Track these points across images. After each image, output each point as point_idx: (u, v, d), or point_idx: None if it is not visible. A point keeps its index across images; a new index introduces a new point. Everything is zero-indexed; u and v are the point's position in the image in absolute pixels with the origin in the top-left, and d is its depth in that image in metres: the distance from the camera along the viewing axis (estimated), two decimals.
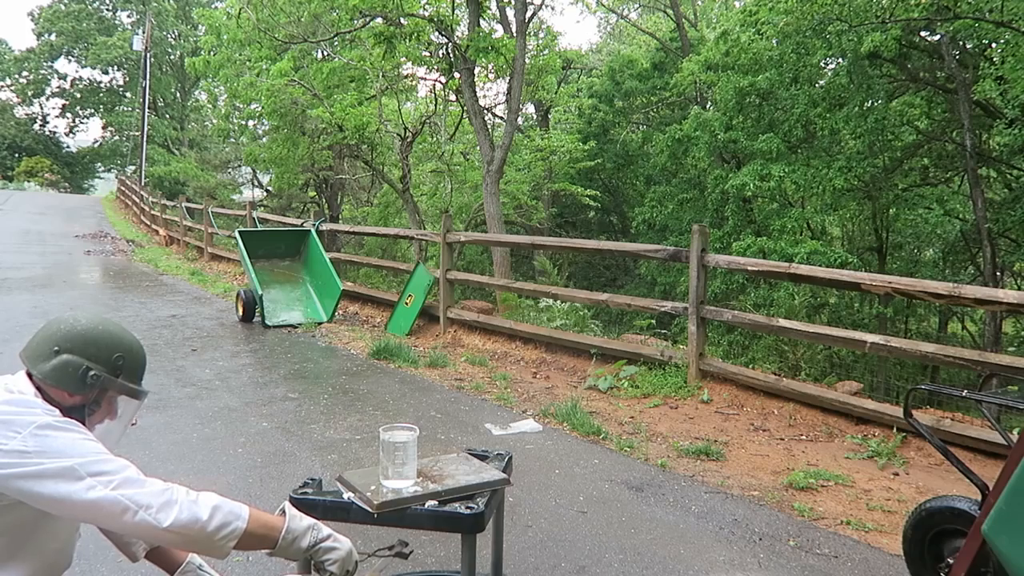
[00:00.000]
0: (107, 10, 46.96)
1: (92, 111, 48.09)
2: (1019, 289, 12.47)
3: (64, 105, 47.72)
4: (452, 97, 14.60)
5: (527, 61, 12.91)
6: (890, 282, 4.77)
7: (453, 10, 11.54)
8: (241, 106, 19.71)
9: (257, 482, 3.82)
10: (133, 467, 1.55)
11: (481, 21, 12.18)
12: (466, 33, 12.07)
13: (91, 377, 1.65)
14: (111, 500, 1.48)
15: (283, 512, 1.71)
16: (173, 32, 45.47)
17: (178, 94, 46.72)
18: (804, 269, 5.49)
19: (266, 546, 1.65)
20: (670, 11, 21.02)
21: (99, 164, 50.60)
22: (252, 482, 3.82)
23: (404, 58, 12.63)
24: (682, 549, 3.21)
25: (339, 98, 13.85)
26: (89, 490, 1.47)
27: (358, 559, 1.75)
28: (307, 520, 1.71)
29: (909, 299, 7.62)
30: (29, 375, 1.66)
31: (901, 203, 13.32)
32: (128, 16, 46.85)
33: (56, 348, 1.65)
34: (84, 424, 1.63)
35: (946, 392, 2.79)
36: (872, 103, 12.56)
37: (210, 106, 31.58)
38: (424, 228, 13.53)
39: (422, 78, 15.12)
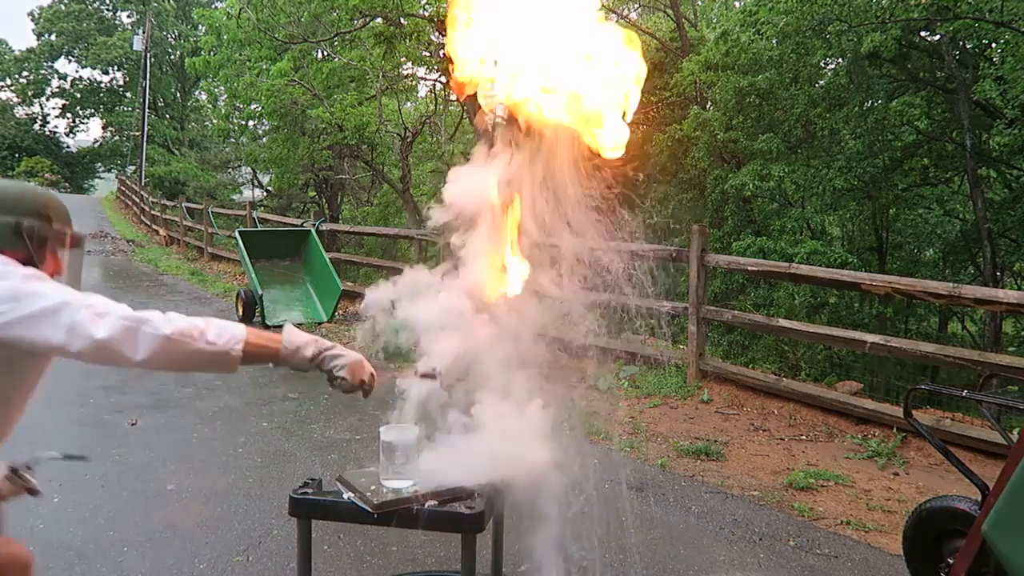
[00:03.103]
0: (107, 10, 46.91)
1: (92, 111, 48.01)
2: (1019, 289, 12.48)
3: (64, 105, 47.65)
4: (452, 97, 14.60)
5: None
6: (890, 282, 4.77)
7: None
8: (241, 106, 19.72)
9: (257, 482, 3.81)
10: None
11: None
12: None
13: (26, 228, 1.63)
14: (113, 322, 1.48)
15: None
16: (173, 32, 45.45)
17: (178, 94, 46.69)
18: (804, 269, 5.50)
19: (269, 356, 1.68)
20: (670, 11, 20.98)
21: (99, 164, 50.50)
22: (252, 482, 3.81)
23: (404, 58, 12.63)
24: (682, 549, 3.21)
25: (339, 98, 13.84)
26: (91, 323, 1.47)
27: (373, 372, 1.83)
28: (307, 334, 1.77)
29: (909, 299, 7.62)
30: None
31: (901, 203, 13.31)
32: (128, 16, 46.80)
33: None
34: None
35: (946, 392, 2.79)
36: (872, 103, 12.54)
37: (210, 106, 31.58)
38: (424, 228, 13.51)
39: (422, 78, 15.13)
